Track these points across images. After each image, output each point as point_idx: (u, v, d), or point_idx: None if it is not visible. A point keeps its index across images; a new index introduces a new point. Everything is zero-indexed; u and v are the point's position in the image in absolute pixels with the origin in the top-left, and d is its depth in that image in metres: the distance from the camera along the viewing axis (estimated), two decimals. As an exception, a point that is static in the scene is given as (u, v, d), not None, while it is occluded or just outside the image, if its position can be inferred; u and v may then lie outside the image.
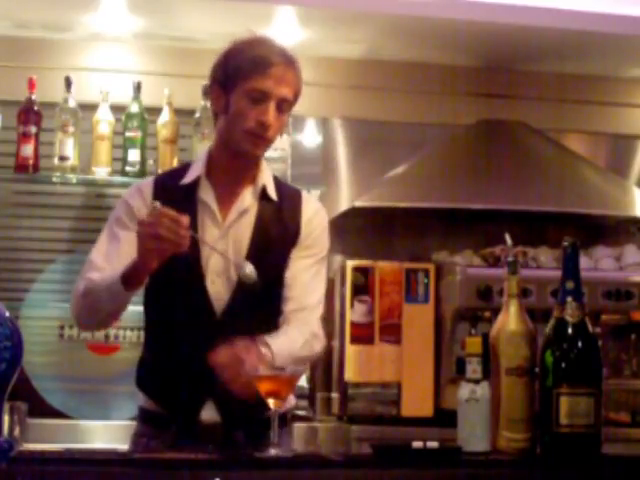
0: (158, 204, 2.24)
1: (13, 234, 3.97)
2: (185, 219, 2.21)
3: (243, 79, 2.41)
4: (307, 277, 2.52)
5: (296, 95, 2.47)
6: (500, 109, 4.21)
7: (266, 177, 2.53)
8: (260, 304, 2.44)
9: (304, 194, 2.61)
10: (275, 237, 2.50)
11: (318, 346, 2.52)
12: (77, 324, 2.60)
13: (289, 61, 2.44)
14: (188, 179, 2.51)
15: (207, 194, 2.49)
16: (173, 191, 2.49)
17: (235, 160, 2.49)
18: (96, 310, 2.42)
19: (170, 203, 2.39)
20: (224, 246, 2.46)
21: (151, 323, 2.56)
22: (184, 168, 2.58)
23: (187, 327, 2.45)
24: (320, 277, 2.57)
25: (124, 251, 2.42)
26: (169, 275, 2.36)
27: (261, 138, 2.44)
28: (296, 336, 2.45)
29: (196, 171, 2.51)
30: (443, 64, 4.20)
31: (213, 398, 2.43)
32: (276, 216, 2.51)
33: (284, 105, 2.44)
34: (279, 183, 2.58)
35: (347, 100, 4.08)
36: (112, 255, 2.45)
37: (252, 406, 2.18)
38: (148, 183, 2.55)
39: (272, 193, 2.52)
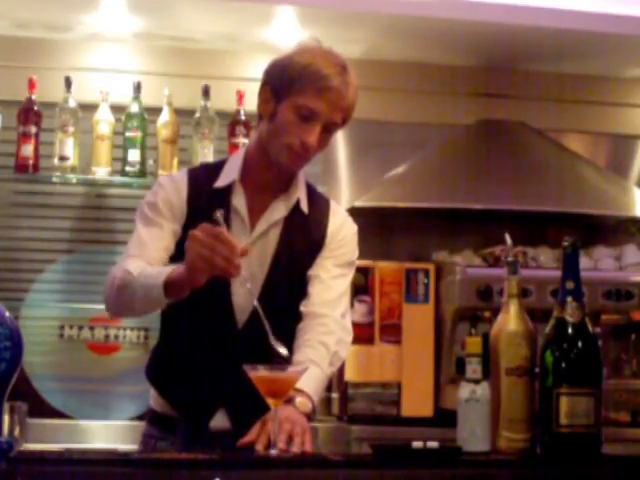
0: (220, 215, 2.17)
1: (13, 234, 3.97)
2: (241, 248, 2.11)
3: (296, 92, 2.33)
4: (327, 276, 2.46)
5: (345, 120, 2.40)
6: (500, 109, 4.21)
7: (300, 190, 2.47)
8: (282, 317, 2.38)
9: (332, 205, 2.55)
10: (300, 249, 2.45)
11: (344, 351, 2.47)
12: (107, 311, 2.47)
13: (348, 86, 2.36)
14: (222, 182, 2.44)
15: (239, 201, 2.43)
16: (207, 194, 2.43)
17: (271, 168, 2.43)
18: (130, 306, 2.34)
19: (204, 207, 2.36)
20: (250, 256, 2.37)
21: (169, 323, 2.50)
22: (218, 166, 2.50)
23: (207, 335, 2.41)
24: (343, 280, 2.50)
25: (164, 237, 2.38)
26: None
27: (300, 157, 2.38)
28: (322, 355, 2.37)
29: (231, 174, 2.44)
30: (443, 64, 4.20)
31: (226, 407, 2.42)
32: (303, 228, 2.46)
33: (331, 127, 2.38)
34: (311, 192, 2.51)
35: (347, 100, 4.07)
36: (151, 240, 2.38)
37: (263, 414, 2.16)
38: (182, 180, 2.46)
39: (304, 207, 2.47)
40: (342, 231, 2.52)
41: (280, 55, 2.43)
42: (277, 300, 2.40)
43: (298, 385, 2.18)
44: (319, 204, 2.52)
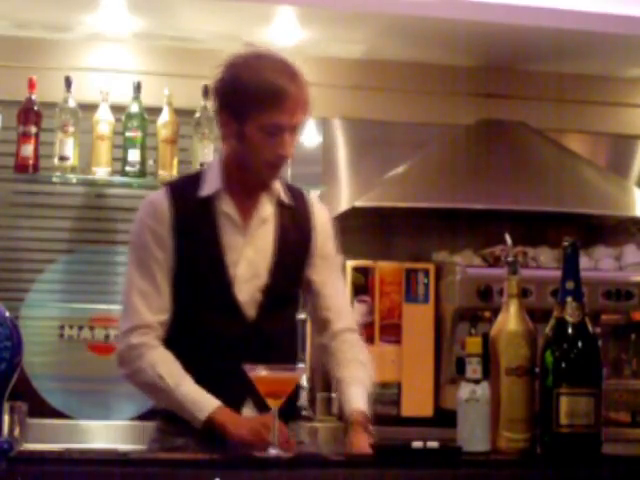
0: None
1: (13, 234, 3.97)
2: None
3: (258, 112, 2.39)
4: (338, 284, 2.65)
5: (306, 114, 2.47)
6: (500, 109, 4.21)
7: (277, 183, 2.56)
8: (286, 305, 2.54)
9: (308, 196, 2.66)
10: (294, 242, 2.55)
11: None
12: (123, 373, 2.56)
13: (302, 87, 2.42)
14: (206, 191, 2.50)
15: (228, 206, 2.50)
16: (191, 204, 2.49)
17: (251, 177, 2.51)
18: (153, 398, 2.55)
19: (190, 216, 2.46)
20: (250, 253, 2.48)
21: (179, 326, 2.51)
22: (196, 177, 2.56)
23: (220, 336, 2.46)
24: (342, 283, 2.70)
25: (163, 290, 2.46)
26: (197, 283, 2.44)
27: (280, 168, 2.48)
28: (364, 375, 2.55)
29: (214, 183, 2.50)
30: (443, 64, 4.20)
31: (253, 398, 2.40)
32: (292, 221, 2.56)
33: (297, 128, 2.45)
34: (286, 186, 2.61)
35: (347, 100, 4.08)
36: (152, 295, 2.46)
37: (292, 401, 2.21)
38: (162, 199, 2.50)
39: (285, 198, 2.56)
40: (327, 226, 2.62)
41: (224, 72, 2.45)
42: (281, 291, 2.51)
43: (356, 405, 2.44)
44: (296, 195, 2.61)
